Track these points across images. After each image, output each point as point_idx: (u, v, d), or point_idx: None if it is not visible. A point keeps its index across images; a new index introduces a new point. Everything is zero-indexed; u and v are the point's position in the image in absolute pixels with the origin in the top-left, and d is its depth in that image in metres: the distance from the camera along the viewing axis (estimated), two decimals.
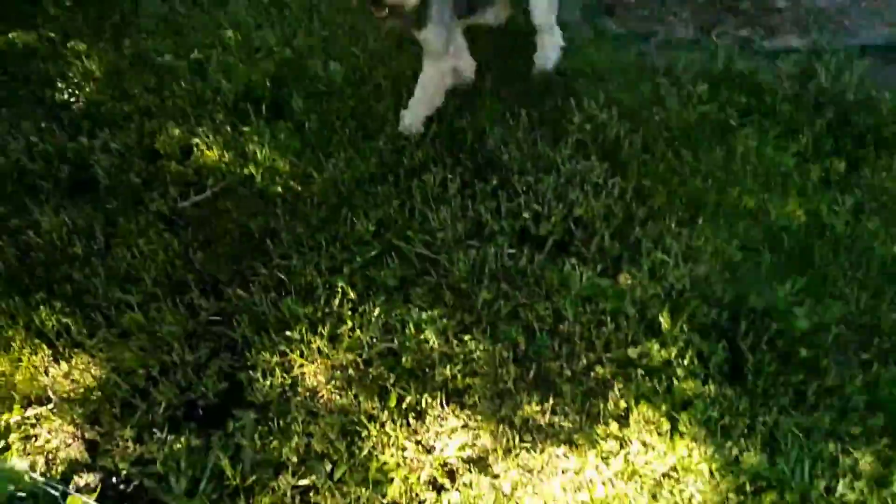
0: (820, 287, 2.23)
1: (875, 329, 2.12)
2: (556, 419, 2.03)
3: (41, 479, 1.75)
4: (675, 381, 2.03)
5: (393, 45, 3.35)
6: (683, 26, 3.42)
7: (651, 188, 2.57)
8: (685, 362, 2.07)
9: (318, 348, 2.22)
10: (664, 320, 2.16)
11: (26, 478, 1.68)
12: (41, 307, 2.38)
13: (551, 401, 2.05)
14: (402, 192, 2.67)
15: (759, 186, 2.55)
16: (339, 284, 2.36)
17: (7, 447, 2.06)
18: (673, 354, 2.09)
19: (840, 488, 1.76)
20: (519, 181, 2.65)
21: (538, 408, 2.04)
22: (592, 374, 2.10)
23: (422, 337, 2.21)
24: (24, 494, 1.67)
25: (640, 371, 2.07)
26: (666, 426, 1.95)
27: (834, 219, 2.40)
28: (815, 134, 2.70)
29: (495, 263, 2.40)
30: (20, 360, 2.28)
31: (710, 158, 2.67)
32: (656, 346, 2.11)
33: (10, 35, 3.57)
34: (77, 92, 3.24)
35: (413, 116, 2.88)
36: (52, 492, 1.75)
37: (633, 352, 2.11)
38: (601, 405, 2.02)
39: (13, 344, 2.32)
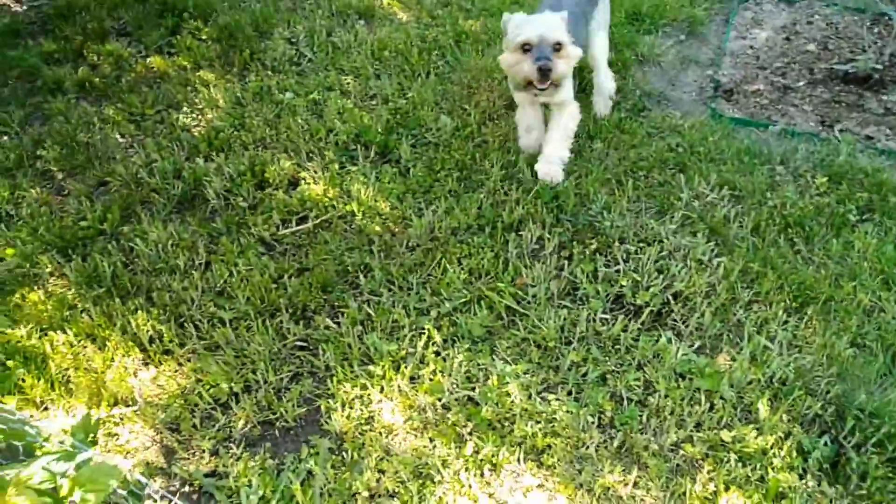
0: None
1: None
2: (638, 493, 2.03)
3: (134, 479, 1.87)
4: (771, 471, 2.01)
5: (503, 106, 3.57)
6: (804, 118, 3.49)
7: (759, 272, 2.60)
8: (782, 453, 2.05)
9: (399, 386, 2.32)
10: (763, 407, 2.16)
11: (127, 476, 1.81)
12: (138, 312, 2.60)
13: (634, 473, 2.06)
14: (498, 244, 2.80)
15: (877, 284, 2.53)
16: (426, 326, 2.49)
17: (94, 442, 2.22)
18: (770, 443, 2.07)
19: None
20: (619, 249, 2.74)
21: (620, 478, 2.05)
22: (681, 451, 2.11)
23: (504, 390, 2.28)
24: (124, 493, 1.80)
25: (732, 455, 2.06)
26: None
27: None
28: None
29: (586, 326, 2.47)
30: (113, 360, 2.49)
31: (824, 250, 2.69)
32: (752, 433, 2.10)
33: (147, 60, 4.01)
34: (200, 117, 3.59)
35: (560, 162, 3.08)
36: (138, 492, 1.87)
37: (726, 435, 2.11)
38: (688, 485, 2.01)
39: (108, 343, 2.53)
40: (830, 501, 1.93)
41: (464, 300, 2.60)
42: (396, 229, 2.92)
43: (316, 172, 3.19)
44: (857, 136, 3.34)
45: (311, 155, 3.29)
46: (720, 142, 3.24)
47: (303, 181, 3.15)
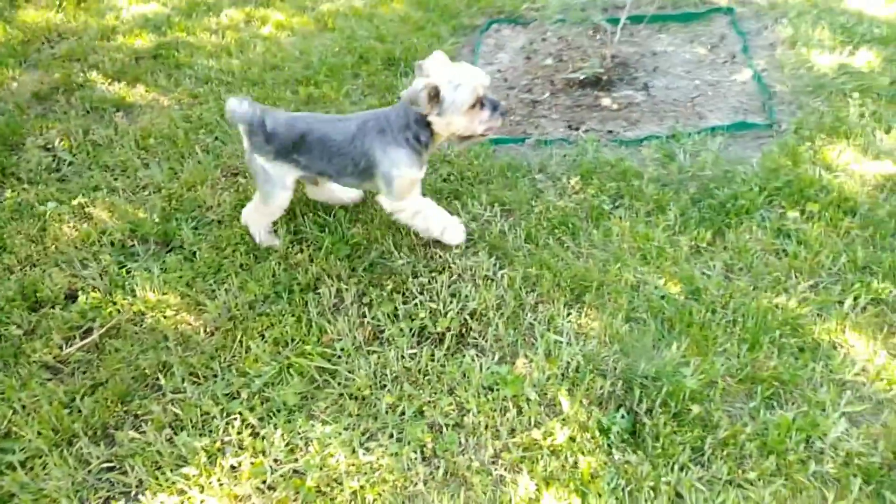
0: (703, 346, 2.44)
1: (756, 378, 2.32)
2: None
3: None
4: (581, 456, 2.14)
5: None
6: (553, 126, 3.82)
7: (538, 275, 2.79)
8: (588, 436, 2.20)
9: (218, 480, 2.21)
10: (564, 399, 2.31)
11: None
12: None
13: (462, 496, 2.10)
14: (298, 307, 2.78)
15: (637, 261, 2.81)
16: (237, 411, 2.40)
17: None
18: (575, 430, 2.22)
19: None
20: (414, 283, 2.82)
21: None
22: (500, 461, 2.19)
23: (327, 452, 2.25)
24: None
25: (546, 452, 2.18)
26: (577, 501, 2.04)
27: (707, 282, 2.67)
28: (680, 208, 3.03)
29: (397, 365, 2.51)
30: None
31: (589, 241, 2.95)
32: (559, 425, 2.23)
33: None
34: None
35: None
36: None
37: (537, 433, 2.23)
38: (512, 491, 2.09)
39: None
40: (636, 468, 2.09)
41: (273, 373, 2.54)
42: (191, 318, 2.80)
43: (94, 280, 2.98)
44: (601, 133, 3.71)
45: (85, 262, 3.08)
46: (485, 163, 3.46)
47: (80, 292, 2.93)
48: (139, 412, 2.46)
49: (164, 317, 2.81)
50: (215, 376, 2.57)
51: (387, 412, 2.37)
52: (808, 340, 2.44)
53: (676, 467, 2.08)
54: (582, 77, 4.06)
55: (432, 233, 2.94)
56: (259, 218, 3.06)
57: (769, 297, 2.61)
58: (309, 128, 2.78)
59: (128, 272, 3.02)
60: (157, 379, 2.56)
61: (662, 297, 2.64)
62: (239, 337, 2.68)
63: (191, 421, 2.40)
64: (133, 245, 3.17)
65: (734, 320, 2.53)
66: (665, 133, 3.60)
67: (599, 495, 2.04)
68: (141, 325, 2.79)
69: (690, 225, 2.94)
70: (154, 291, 2.89)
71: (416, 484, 2.15)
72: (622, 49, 4.44)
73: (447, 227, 2.93)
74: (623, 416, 2.25)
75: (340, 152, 2.77)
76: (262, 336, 2.68)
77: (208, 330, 2.75)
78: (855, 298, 2.57)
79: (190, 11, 5.51)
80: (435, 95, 2.52)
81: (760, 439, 2.14)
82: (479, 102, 2.58)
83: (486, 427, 2.28)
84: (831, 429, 2.13)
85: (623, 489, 2.04)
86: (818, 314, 2.54)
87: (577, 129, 3.77)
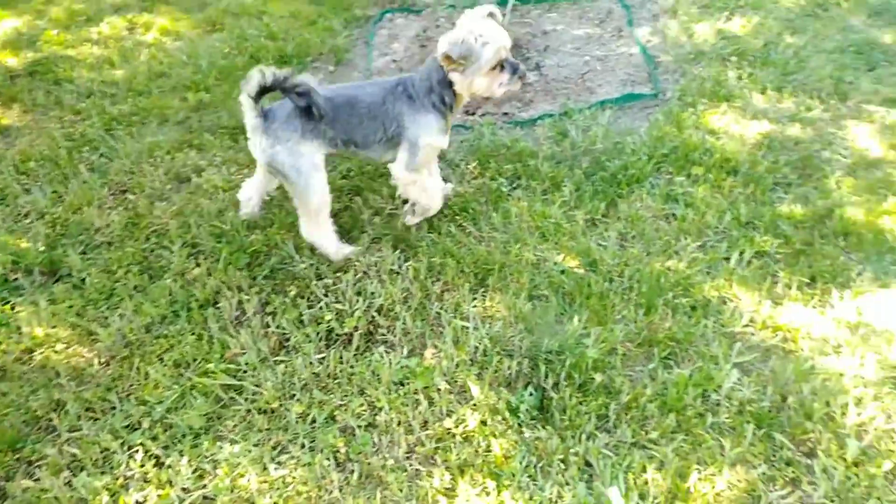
0: (602, 315, 2.50)
1: (653, 340, 2.40)
2: None
3: None
4: (494, 439, 2.16)
5: (171, 181, 3.43)
6: None
7: (442, 263, 2.78)
8: (499, 418, 2.21)
9: None
10: (473, 384, 2.31)
11: None
12: None
13: (378, 496, 2.08)
14: (198, 325, 2.68)
15: (536, 240, 2.85)
16: (139, 442, 2.29)
17: None
18: (486, 414, 2.23)
19: (652, 489, 1.94)
20: (318, 286, 2.76)
21: None
22: (415, 455, 2.18)
23: (237, 473, 2.17)
24: None
25: (458, 439, 2.18)
26: (492, 484, 2.05)
27: (603, 253, 2.73)
28: (575, 183, 3.08)
29: (305, 372, 2.46)
30: None
31: (490, 225, 2.96)
32: (470, 412, 2.24)
33: None
34: None
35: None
36: None
37: (449, 422, 2.22)
38: (427, 484, 2.09)
39: None
40: (546, 443, 2.12)
41: (176, 397, 2.43)
42: (84, 350, 2.66)
43: None
44: (496, 116, 3.74)
45: None
46: None
47: None
48: (33, 458, 2.30)
49: (55, 352, 2.65)
50: (113, 409, 2.43)
51: (297, 422, 2.31)
52: (699, 299, 2.54)
53: (584, 437, 2.11)
54: None
55: (429, 206, 2.93)
56: (318, 225, 2.83)
57: (661, 260, 2.69)
58: (333, 93, 2.68)
59: (12, 308, 2.84)
60: (51, 420, 2.41)
61: (562, 272, 2.68)
62: (136, 364, 2.55)
63: (90, 459, 2.26)
64: (17, 279, 2.98)
65: (630, 287, 2.59)
66: (557, 111, 3.65)
67: (513, 475, 2.05)
68: (30, 364, 2.62)
69: (585, 199, 3.00)
70: (42, 326, 2.73)
71: (332, 492, 2.11)
72: (514, 30, 4.46)
73: (436, 197, 2.95)
74: (531, 394, 2.28)
75: (371, 115, 2.68)
76: (161, 360, 2.57)
77: (103, 360, 2.61)
78: (740, 254, 2.69)
79: (68, 23, 5.21)
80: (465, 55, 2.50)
81: (661, 399, 2.21)
82: (501, 64, 2.54)
83: (399, 423, 2.26)
84: (724, 380, 2.22)
85: (535, 466, 2.07)
86: (707, 272, 2.64)
87: (473, 113, 3.78)
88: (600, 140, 3.34)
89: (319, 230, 2.84)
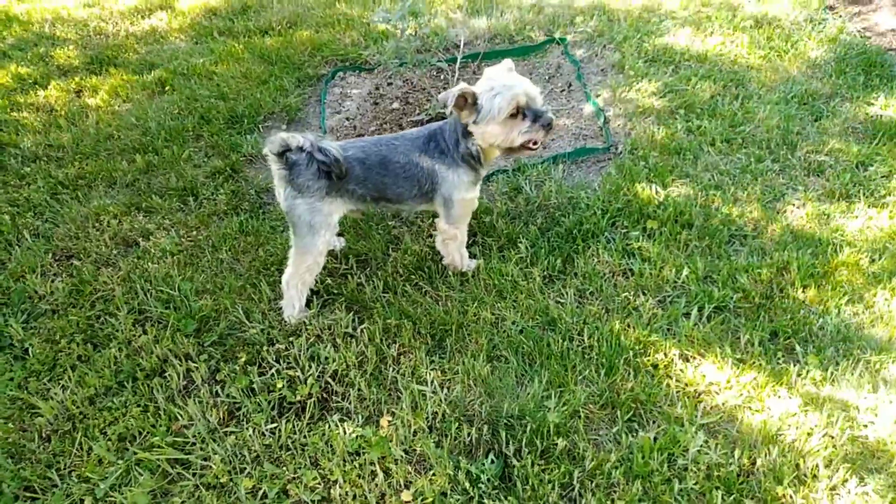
0: (563, 376, 2.44)
1: (616, 402, 2.35)
2: None
3: None
4: None
5: (118, 245, 3.33)
6: None
7: (398, 324, 2.72)
8: (459, 488, 2.12)
9: None
10: (430, 453, 2.22)
11: None
12: None
13: None
14: (143, 396, 2.55)
15: (493, 298, 2.80)
16: None
17: None
18: (446, 485, 2.14)
19: None
20: (269, 352, 2.67)
21: None
22: None
23: None
24: None
25: None
26: None
27: (561, 311, 2.69)
28: (530, 240, 3.06)
29: (256, 444, 2.34)
30: None
31: (446, 284, 2.91)
32: (428, 483, 2.15)
33: None
34: None
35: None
36: None
37: (406, 495, 2.13)
38: None
39: None
40: None
41: (120, 473, 2.30)
42: (23, 426, 2.51)
43: None
44: None
45: None
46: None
47: None
48: None
49: None
50: (55, 486, 2.30)
51: (247, 498, 2.20)
52: (660, 357, 2.50)
53: None
54: (427, 119, 4.09)
55: (457, 268, 2.97)
56: (301, 277, 2.75)
57: (621, 318, 2.66)
58: (364, 153, 2.63)
59: None
60: None
61: (521, 332, 2.63)
62: (79, 438, 2.42)
63: None
64: None
65: (590, 346, 2.55)
66: (511, 166, 3.66)
67: None
68: None
69: (541, 255, 2.97)
70: None
71: None
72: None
73: (466, 263, 2.99)
74: (493, 461, 2.20)
75: (406, 174, 2.64)
76: (105, 433, 2.44)
77: (44, 435, 2.47)
78: (699, 309, 2.68)
79: (13, 87, 5.12)
80: (472, 102, 2.46)
81: (626, 465, 2.14)
82: (521, 112, 2.46)
83: (355, 497, 2.16)
84: (690, 443, 2.17)
85: None
86: (668, 329, 2.62)
87: None
88: (554, 195, 3.35)
89: (297, 287, 2.78)
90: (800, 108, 3.95)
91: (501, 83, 2.45)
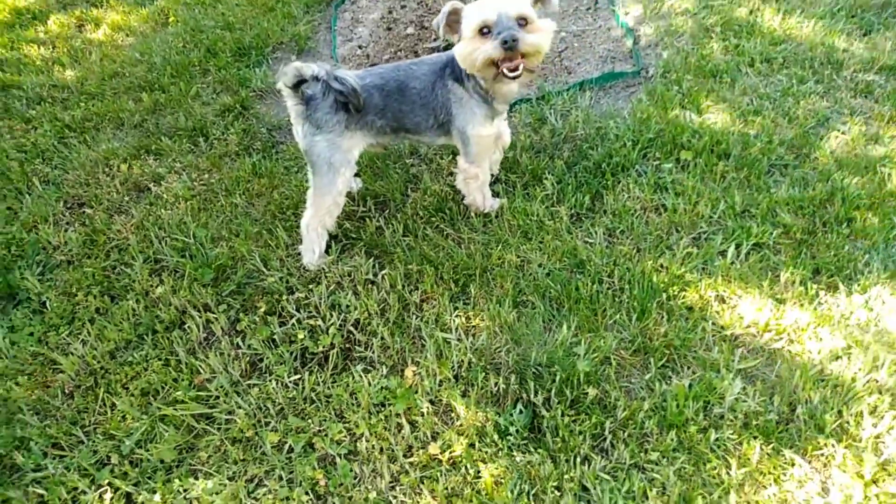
0: (592, 321, 2.37)
1: (649, 347, 2.27)
2: None
3: None
4: (483, 465, 2.04)
5: (129, 191, 3.26)
6: None
7: (420, 270, 2.64)
8: (487, 440, 2.09)
9: None
10: (458, 404, 2.19)
11: None
12: None
13: None
14: (164, 349, 2.54)
15: (518, 240, 2.70)
16: (108, 480, 2.16)
17: None
18: (473, 437, 2.11)
19: None
20: (289, 301, 2.62)
21: None
22: (399, 486, 2.06)
23: None
24: None
25: (444, 466, 2.06)
26: None
27: (590, 251, 2.59)
28: (556, 176, 2.93)
29: (280, 397, 2.33)
30: None
31: (468, 226, 2.81)
32: (456, 435, 2.12)
33: None
34: None
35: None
36: None
37: (434, 448, 2.11)
38: None
39: None
40: (538, 468, 2.00)
41: (145, 429, 2.31)
42: (47, 380, 2.52)
43: None
44: None
45: None
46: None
47: None
48: None
49: (17, 384, 2.51)
50: (81, 443, 2.32)
51: (273, 452, 2.19)
52: (695, 299, 2.41)
53: (578, 460, 2.00)
54: (444, 46, 3.88)
55: (480, 209, 2.85)
56: (321, 220, 2.67)
57: (653, 258, 2.56)
58: (383, 80, 2.52)
59: None
60: (13, 459, 2.28)
61: (548, 275, 2.55)
62: (101, 395, 2.42)
63: (58, 500, 2.15)
64: None
65: (621, 288, 2.46)
66: (534, 95, 3.49)
67: None
68: None
69: (568, 192, 2.85)
70: (1, 357, 2.58)
71: None
72: None
73: (490, 204, 2.87)
74: (521, 412, 2.16)
75: (422, 102, 2.53)
76: (127, 389, 2.44)
77: (67, 391, 2.48)
78: (737, 247, 2.56)
79: (12, 22, 4.97)
80: (458, 20, 2.32)
81: (659, 414, 2.09)
82: (487, 29, 2.25)
83: (381, 451, 2.14)
84: (728, 390, 2.10)
85: (528, 494, 1.95)
86: (703, 269, 2.51)
87: None
88: (581, 126, 3.19)
89: (317, 230, 2.71)
90: (847, 21, 3.68)
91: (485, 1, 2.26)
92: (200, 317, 2.62)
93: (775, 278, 2.45)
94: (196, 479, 2.16)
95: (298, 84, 2.42)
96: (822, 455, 1.96)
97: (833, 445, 1.96)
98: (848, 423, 2.02)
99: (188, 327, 2.60)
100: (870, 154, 2.91)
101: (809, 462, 1.96)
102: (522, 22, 2.25)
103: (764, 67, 3.42)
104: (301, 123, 2.52)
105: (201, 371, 2.46)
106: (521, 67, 2.27)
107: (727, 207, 2.69)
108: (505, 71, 2.27)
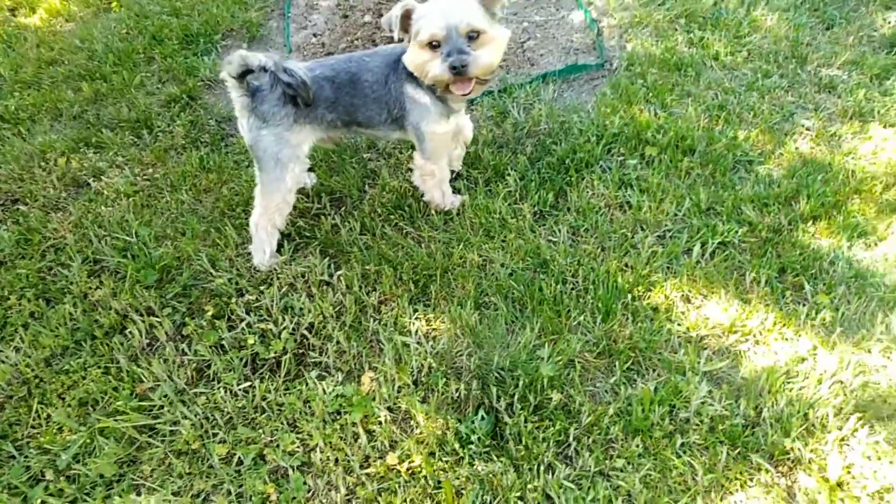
0: (556, 322, 2.33)
1: (614, 350, 2.24)
2: None
3: None
4: (442, 475, 1.98)
5: (67, 187, 3.11)
6: None
7: (377, 270, 2.57)
8: (448, 449, 2.03)
9: None
10: (417, 412, 2.12)
11: None
12: None
13: None
14: (103, 356, 2.41)
15: (480, 238, 2.64)
16: (40, 499, 2.04)
17: None
18: (433, 445, 2.04)
19: None
20: (239, 303, 2.52)
21: None
22: (355, 499, 1.99)
23: None
24: None
25: (403, 477, 1.99)
26: None
27: (554, 251, 2.55)
28: (519, 172, 2.88)
29: (228, 406, 2.23)
30: None
31: (428, 224, 2.74)
32: (415, 444, 2.05)
33: None
34: None
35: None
36: None
37: (392, 458, 2.04)
38: None
39: None
40: (500, 477, 1.95)
41: (83, 441, 2.19)
42: None
43: None
44: None
45: None
46: None
47: None
48: None
49: None
50: (12, 458, 2.19)
51: (221, 465, 2.10)
52: (660, 299, 2.38)
53: (542, 469, 1.95)
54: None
55: (440, 207, 2.78)
56: (270, 218, 2.57)
57: (618, 257, 2.52)
58: (333, 71, 2.41)
59: None
60: None
61: (511, 275, 2.49)
62: (35, 405, 2.29)
63: None
64: None
65: (585, 289, 2.43)
66: (497, 87, 3.43)
67: None
68: None
69: (531, 188, 2.80)
70: None
71: None
72: None
73: (450, 201, 2.79)
74: (483, 418, 2.10)
75: (374, 95, 2.43)
76: (63, 399, 2.31)
77: None
78: (702, 245, 2.54)
79: None
80: (408, 19, 2.22)
81: (624, 419, 2.05)
82: (437, 43, 2.17)
83: (336, 462, 2.06)
84: (693, 394, 2.07)
85: None
86: (668, 268, 2.49)
87: None
88: (545, 120, 3.15)
89: (267, 229, 2.60)
90: (810, 15, 3.70)
91: (436, 6, 2.17)
92: (143, 321, 2.50)
93: (741, 278, 2.44)
94: (138, 495, 2.05)
95: (244, 74, 2.31)
96: (789, 459, 1.95)
97: (799, 449, 1.95)
98: (814, 425, 2.01)
99: (130, 332, 2.48)
100: (833, 150, 2.93)
101: (776, 466, 1.94)
102: (474, 34, 2.18)
103: (729, 61, 3.42)
104: (246, 116, 2.41)
105: (144, 379, 2.34)
106: (472, 84, 2.23)
107: (692, 205, 2.68)
108: (454, 90, 2.24)
